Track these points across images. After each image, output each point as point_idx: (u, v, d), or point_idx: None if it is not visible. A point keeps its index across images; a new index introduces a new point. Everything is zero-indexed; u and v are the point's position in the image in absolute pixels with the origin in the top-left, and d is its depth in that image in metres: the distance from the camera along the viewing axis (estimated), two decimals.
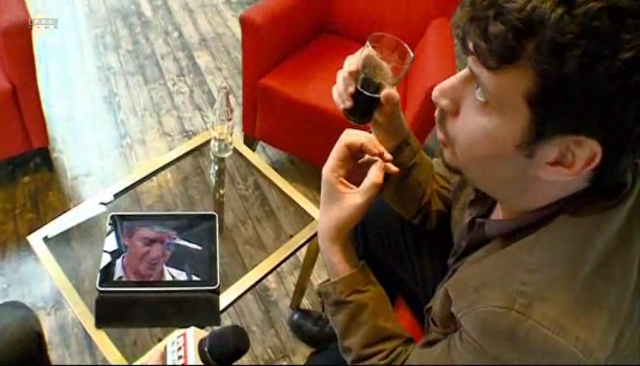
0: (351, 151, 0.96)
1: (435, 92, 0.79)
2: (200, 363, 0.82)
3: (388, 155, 0.96)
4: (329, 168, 0.96)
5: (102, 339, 1.32)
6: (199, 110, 2.89)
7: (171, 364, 0.83)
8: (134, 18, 3.47)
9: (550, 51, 0.59)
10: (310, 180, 2.59)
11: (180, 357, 0.83)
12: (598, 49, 0.57)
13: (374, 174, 0.94)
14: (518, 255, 0.76)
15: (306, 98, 2.18)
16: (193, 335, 0.84)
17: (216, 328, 0.89)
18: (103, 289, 1.36)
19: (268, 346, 2.00)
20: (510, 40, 0.61)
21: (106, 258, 1.42)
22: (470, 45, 0.68)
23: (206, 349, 0.82)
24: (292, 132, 2.39)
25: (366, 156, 0.98)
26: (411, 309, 1.44)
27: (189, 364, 0.81)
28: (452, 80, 0.77)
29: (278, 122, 2.38)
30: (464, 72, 0.75)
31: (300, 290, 2.04)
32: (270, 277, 2.05)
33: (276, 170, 2.37)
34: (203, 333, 0.86)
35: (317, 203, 2.40)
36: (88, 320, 1.34)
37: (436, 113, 0.82)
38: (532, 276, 0.71)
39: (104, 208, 1.62)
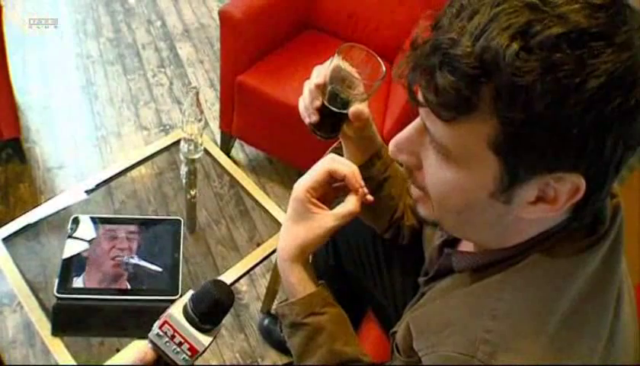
0: (331, 177, 0.90)
1: (391, 147, 0.74)
2: (201, 334, 0.77)
3: (366, 190, 0.90)
4: (304, 187, 0.89)
5: (58, 347, 1.29)
6: (177, 103, 2.83)
7: (178, 354, 0.78)
8: (117, 5, 3.40)
9: (510, 95, 0.54)
10: (287, 180, 2.55)
11: (180, 343, 0.77)
12: (564, 83, 0.52)
13: (352, 204, 0.89)
14: (484, 296, 0.72)
15: (285, 97, 2.12)
16: (178, 312, 0.78)
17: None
18: (61, 296, 1.32)
19: (237, 350, 1.97)
20: (464, 91, 0.56)
21: (64, 264, 1.38)
22: (416, 96, 0.63)
23: (190, 310, 0.77)
24: (270, 131, 2.35)
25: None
26: (380, 323, 1.41)
27: (194, 343, 0.77)
28: (407, 132, 0.72)
29: (255, 120, 2.34)
30: (416, 122, 0.70)
31: (272, 294, 2.00)
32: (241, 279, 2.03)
33: (253, 169, 2.33)
34: (183, 301, 0.80)
35: None
36: (45, 327, 1.30)
37: (404, 168, 0.77)
38: (497, 323, 0.67)
39: (83, 195, 1.60)
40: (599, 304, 0.69)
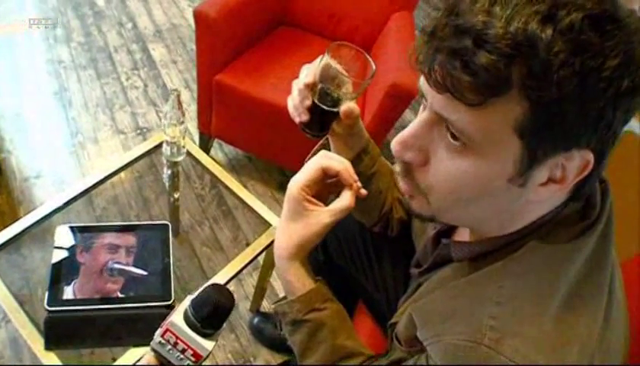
0: (325, 174, 0.91)
1: (396, 147, 0.73)
2: (203, 339, 0.77)
3: (360, 184, 0.91)
4: (298, 185, 0.89)
5: (52, 361, 1.27)
6: (153, 105, 2.81)
7: (182, 361, 0.78)
8: (86, 8, 3.35)
9: (544, 74, 0.56)
10: (268, 178, 2.55)
11: (183, 350, 0.77)
12: (590, 63, 0.56)
13: (347, 199, 0.89)
14: (485, 285, 0.74)
15: (263, 95, 2.11)
16: (179, 319, 0.78)
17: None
18: (52, 309, 1.30)
19: (229, 351, 1.96)
20: (502, 69, 0.57)
21: (53, 276, 1.35)
22: (440, 81, 0.62)
23: (191, 315, 0.77)
24: (250, 130, 2.34)
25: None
26: (372, 315, 1.42)
27: (198, 348, 0.76)
28: (412, 128, 0.71)
29: (235, 120, 2.32)
30: (424, 115, 0.70)
31: (260, 292, 2.00)
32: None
33: (233, 168, 2.31)
34: (183, 307, 0.79)
35: (276, 201, 2.38)
36: (37, 342, 1.28)
37: (398, 166, 0.76)
38: (501, 309, 0.69)
39: (63, 205, 1.57)
40: (595, 286, 0.72)
